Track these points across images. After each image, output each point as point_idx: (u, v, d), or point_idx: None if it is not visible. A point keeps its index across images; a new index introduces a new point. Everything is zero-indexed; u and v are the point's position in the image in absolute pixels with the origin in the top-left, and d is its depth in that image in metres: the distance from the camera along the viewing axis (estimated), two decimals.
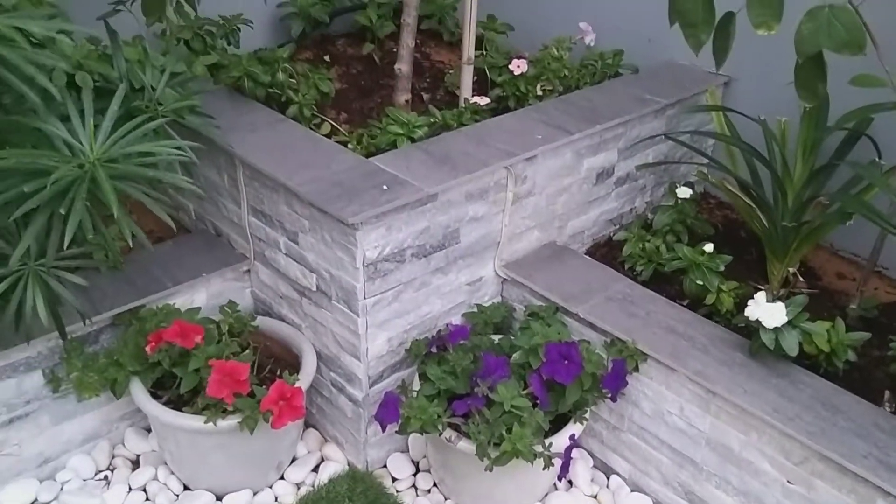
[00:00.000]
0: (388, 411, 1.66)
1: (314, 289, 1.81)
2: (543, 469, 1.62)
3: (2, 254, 1.43)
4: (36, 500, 1.78)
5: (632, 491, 1.88)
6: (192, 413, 1.68)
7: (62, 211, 1.32)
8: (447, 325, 1.89)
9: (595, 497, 1.87)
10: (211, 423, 1.65)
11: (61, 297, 1.47)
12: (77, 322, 1.67)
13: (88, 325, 1.74)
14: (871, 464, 1.48)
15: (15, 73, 1.28)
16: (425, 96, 2.35)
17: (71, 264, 1.50)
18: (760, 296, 1.64)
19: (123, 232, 1.39)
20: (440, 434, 1.66)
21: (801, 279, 2.00)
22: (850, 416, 1.58)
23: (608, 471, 1.93)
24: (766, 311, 1.61)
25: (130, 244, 1.43)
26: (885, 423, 1.57)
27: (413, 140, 1.90)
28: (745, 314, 1.64)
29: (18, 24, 1.21)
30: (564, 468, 1.62)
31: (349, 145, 1.95)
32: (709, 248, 1.84)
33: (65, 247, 1.31)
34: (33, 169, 1.36)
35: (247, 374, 1.66)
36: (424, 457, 1.95)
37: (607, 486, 1.90)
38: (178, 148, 1.47)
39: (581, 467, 1.90)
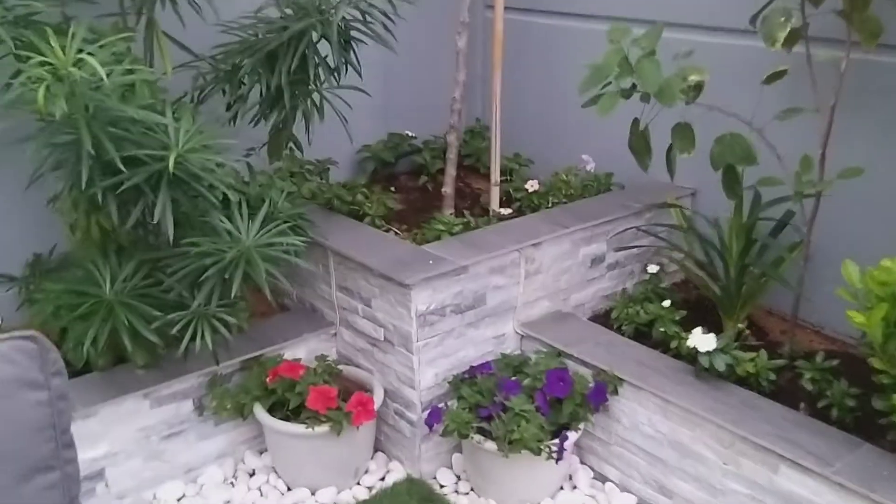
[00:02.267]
0: (434, 417, 2.33)
1: (382, 339, 2.53)
2: (546, 459, 2.25)
3: (182, 303, 2.21)
4: (184, 494, 2.48)
5: (621, 492, 2.46)
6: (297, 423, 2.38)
7: (226, 276, 2.11)
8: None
9: (593, 497, 2.46)
10: (310, 429, 2.34)
11: (220, 333, 2.23)
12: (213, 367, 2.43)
13: (224, 367, 2.49)
14: (774, 440, 2.07)
15: (201, 185, 2.11)
16: (465, 212, 3.13)
17: (224, 314, 2.27)
18: (697, 330, 2.30)
19: (265, 293, 2.15)
20: (471, 437, 2.32)
21: (750, 333, 2.64)
22: (765, 414, 2.18)
23: (603, 479, 2.52)
24: (701, 339, 2.27)
25: (272, 303, 2.20)
26: (791, 416, 2.17)
27: (452, 234, 2.67)
28: (687, 344, 2.29)
29: (210, 157, 2.04)
30: (559, 453, 2.25)
31: (407, 241, 2.72)
32: (666, 303, 2.51)
33: (232, 295, 2.08)
34: (204, 252, 2.16)
35: (335, 394, 2.36)
36: (464, 471, 2.58)
37: (603, 490, 2.49)
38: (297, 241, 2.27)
39: (582, 476, 2.50)
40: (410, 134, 3.50)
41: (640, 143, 2.42)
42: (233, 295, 2.16)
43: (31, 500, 1.15)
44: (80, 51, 1.86)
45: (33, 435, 1.17)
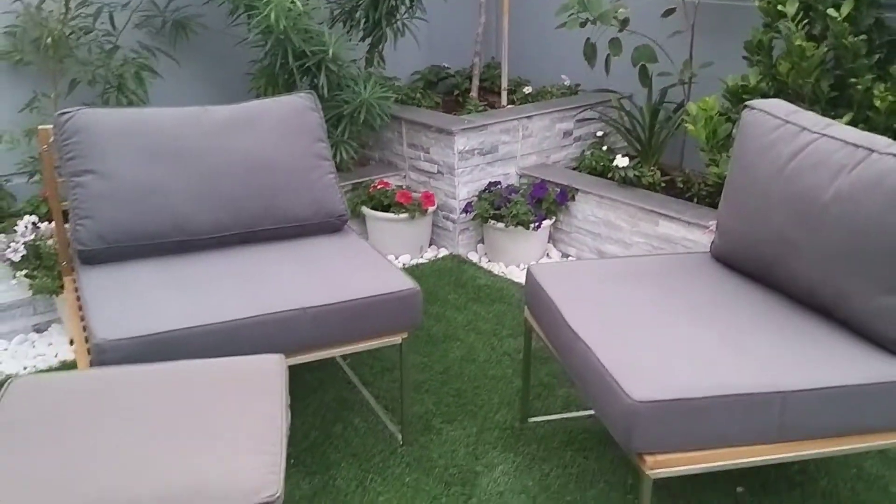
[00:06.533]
0: (468, 208, 4.04)
1: (435, 172, 4.24)
2: (531, 230, 3.95)
3: (329, 135, 3.92)
4: None
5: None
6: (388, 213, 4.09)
7: (354, 115, 3.83)
8: None
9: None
10: (396, 215, 4.05)
11: (349, 153, 3.94)
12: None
13: (343, 185, 4.19)
14: (658, 207, 3.76)
15: (341, 67, 3.81)
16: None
17: (352, 141, 3.98)
18: (618, 156, 3.99)
19: (374, 125, 3.87)
20: (488, 221, 4.01)
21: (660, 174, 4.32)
22: (656, 198, 3.87)
23: (566, 255, 4.22)
24: (620, 160, 3.96)
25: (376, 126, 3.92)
26: (669, 200, 3.86)
27: (478, 111, 4.38)
28: (613, 164, 3.99)
29: (344, 51, 3.75)
30: (538, 224, 3.94)
31: (449, 115, 4.42)
32: (604, 148, 4.21)
33: (359, 127, 3.79)
34: (337, 103, 3.88)
35: (411, 195, 4.07)
36: (485, 253, 4.27)
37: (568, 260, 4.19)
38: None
39: (554, 253, 4.21)
40: (447, 65, 5.21)
41: (589, 51, 4.13)
42: (358, 128, 3.89)
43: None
44: None
45: (315, 127, 2.90)
